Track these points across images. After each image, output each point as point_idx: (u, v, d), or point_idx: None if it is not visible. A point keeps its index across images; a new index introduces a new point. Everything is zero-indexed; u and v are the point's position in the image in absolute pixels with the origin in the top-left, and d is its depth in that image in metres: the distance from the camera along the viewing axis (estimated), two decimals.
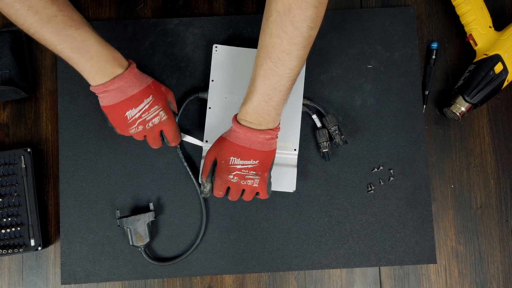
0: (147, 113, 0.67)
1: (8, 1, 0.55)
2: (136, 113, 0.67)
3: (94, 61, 0.62)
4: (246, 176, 0.66)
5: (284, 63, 0.59)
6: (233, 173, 0.66)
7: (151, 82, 0.69)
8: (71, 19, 0.60)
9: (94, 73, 0.63)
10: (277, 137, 0.67)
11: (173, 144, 0.73)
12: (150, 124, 0.69)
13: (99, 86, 0.64)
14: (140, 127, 0.68)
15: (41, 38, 0.59)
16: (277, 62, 0.59)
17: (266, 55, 0.59)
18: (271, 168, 0.69)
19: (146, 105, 0.67)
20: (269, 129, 0.64)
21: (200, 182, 0.73)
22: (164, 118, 0.69)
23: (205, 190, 0.70)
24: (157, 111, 0.68)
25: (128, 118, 0.67)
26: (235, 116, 0.66)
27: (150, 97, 0.68)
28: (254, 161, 0.66)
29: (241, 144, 0.65)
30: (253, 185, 0.68)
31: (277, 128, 0.66)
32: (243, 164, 0.65)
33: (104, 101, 0.66)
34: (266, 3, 0.59)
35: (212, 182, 0.69)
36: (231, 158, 0.65)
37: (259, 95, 0.62)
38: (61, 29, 0.59)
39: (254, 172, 0.66)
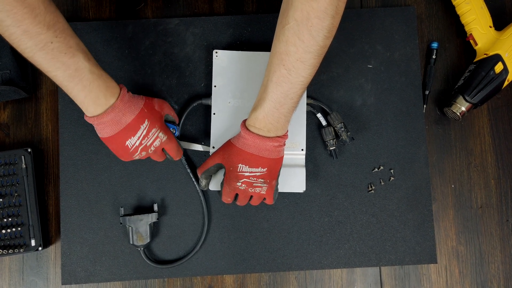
0: (146, 138, 0.66)
1: (5, 24, 0.53)
2: (136, 141, 0.66)
3: (87, 91, 0.60)
4: (254, 184, 0.66)
5: (298, 71, 0.59)
6: (241, 181, 0.66)
7: (143, 105, 0.67)
8: (66, 45, 0.57)
9: (87, 104, 0.61)
10: (284, 144, 0.67)
11: (176, 159, 0.73)
12: (152, 148, 0.68)
13: (94, 118, 0.63)
14: (143, 153, 0.68)
15: (36, 63, 0.58)
16: (291, 69, 0.59)
17: (280, 62, 0.59)
18: (278, 175, 0.69)
19: (143, 131, 0.66)
20: (277, 137, 0.64)
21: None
22: (164, 139, 0.69)
23: (201, 184, 0.73)
24: (156, 134, 0.67)
25: (130, 147, 0.66)
26: (244, 121, 0.66)
27: (146, 122, 0.66)
28: (262, 169, 0.65)
29: (249, 151, 0.65)
30: (261, 192, 0.68)
31: (285, 136, 0.66)
32: (251, 172, 0.65)
33: (102, 132, 0.65)
34: (282, 10, 0.59)
35: (207, 179, 0.72)
36: (239, 165, 0.65)
37: (271, 101, 0.61)
38: (55, 56, 0.57)
39: (262, 180, 0.66)
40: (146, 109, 0.67)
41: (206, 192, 0.77)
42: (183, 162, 0.77)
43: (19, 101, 0.80)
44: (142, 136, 0.66)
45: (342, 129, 0.76)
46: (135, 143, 0.66)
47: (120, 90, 0.64)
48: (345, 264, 0.76)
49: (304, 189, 0.75)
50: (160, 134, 0.68)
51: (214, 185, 0.74)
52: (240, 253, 0.77)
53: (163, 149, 0.71)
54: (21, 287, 0.77)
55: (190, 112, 0.78)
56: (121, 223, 0.74)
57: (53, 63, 0.57)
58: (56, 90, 0.80)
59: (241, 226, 0.77)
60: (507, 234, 0.79)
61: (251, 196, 0.69)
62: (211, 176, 0.73)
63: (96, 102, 0.62)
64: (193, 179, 0.77)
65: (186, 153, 0.78)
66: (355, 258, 0.77)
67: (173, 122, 0.75)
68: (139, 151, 0.67)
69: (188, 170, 0.77)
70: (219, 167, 0.69)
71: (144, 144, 0.67)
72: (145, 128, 0.66)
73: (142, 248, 0.74)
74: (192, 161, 0.78)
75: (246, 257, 0.76)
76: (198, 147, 0.77)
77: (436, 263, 0.77)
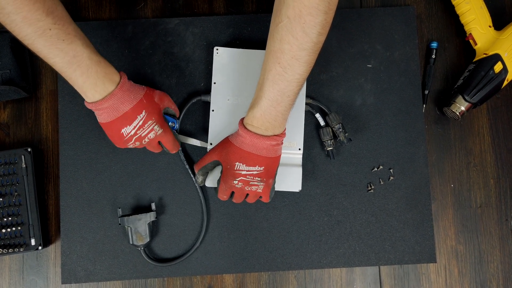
0: (141, 129, 0.67)
1: (6, 11, 0.54)
2: (131, 130, 0.67)
3: (85, 77, 0.62)
4: (250, 182, 0.67)
5: (293, 69, 0.59)
6: (238, 179, 0.66)
7: (143, 95, 0.68)
8: (64, 32, 0.59)
9: (86, 89, 0.63)
10: (282, 143, 0.67)
11: (173, 152, 0.74)
12: (146, 140, 0.69)
13: (92, 104, 0.64)
14: (137, 143, 0.69)
15: (35, 49, 0.59)
16: (286, 67, 0.59)
17: (275, 61, 0.59)
18: (275, 174, 0.69)
19: (139, 121, 0.67)
20: (275, 135, 0.65)
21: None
22: (159, 132, 0.70)
23: (198, 180, 0.73)
24: (151, 126, 0.68)
25: (125, 135, 0.67)
26: (242, 120, 0.66)
27: (143, 113, 0.67)
28: (259, 167, 0.66)
29: (247, 150, 0.65)
30: (257, 191, 0.68)
31: (282, 134, 0.66)
32: (248, 170, 0.66)
33: (100, 117, 0.66)
34: (275, 8, 0.59)
35: (204, 176, 0.72)
36: (237, 163, 0.65)
37: (267, 100, 0.62)
38: (54, 42, 0.58)
39: (259, 179, 0.66)
40: (145, 100, 0.68)
41: (205, 191, 0.77)
42: (182, 159, 0.77)
43: (19, 101, 0.80)
44: (137, 126, 0.67)
45: (340, 129, 0.76)
46: (130, 132, 0.67)
47: (120, 78, 0.66)
48: (344, 264, 0.77)
49: (300, 189, 0.75)
50: (156, 127, 0.69)
51: (210, 182, 0.74)
52: (240, 253, 0.77)
53: (159, 142, 0.71)
54: (21, 286, 0.77)
55: (189, 109, 0.78)
56: (119, 224, 0.74)
57: (51, 50, 0.59)
58: (56, 90, 0.80)
59: (241, 225, 0.77)
60: (506, 234, 0.79)
61: (247, 194, 0.69)
62: (208, 172, 0.73)
63: (95, 88, 0.63)
64: (192, 176, 0.77)
65: (185, 150, 0.78)
66: (355, 258, 0.77)
67: (173, 116, 0.75)
68: (133, 140, 0.68)
69: (187, 167, 0.77)
70: (216, 164, 0.70)
71: (138, 135, 0.68)
72: (142, 118, 0.67)
73: (142, 248, 0.74)
74: (191, 158, 0.78)
75: (246, 257, 0.77)
76: (196, 142, 0.77)
77: (436, 262, 0.77)
